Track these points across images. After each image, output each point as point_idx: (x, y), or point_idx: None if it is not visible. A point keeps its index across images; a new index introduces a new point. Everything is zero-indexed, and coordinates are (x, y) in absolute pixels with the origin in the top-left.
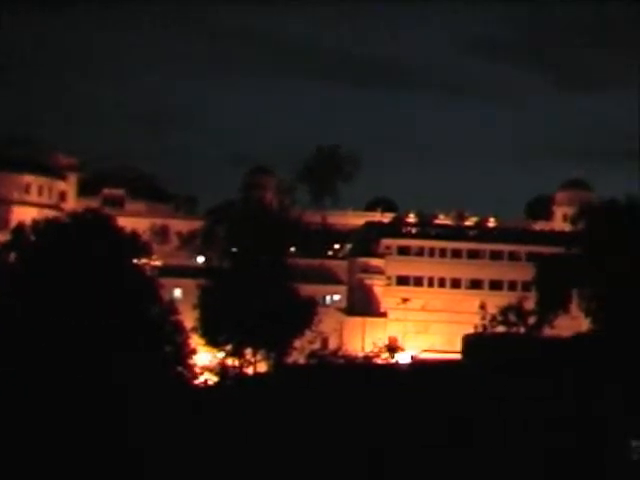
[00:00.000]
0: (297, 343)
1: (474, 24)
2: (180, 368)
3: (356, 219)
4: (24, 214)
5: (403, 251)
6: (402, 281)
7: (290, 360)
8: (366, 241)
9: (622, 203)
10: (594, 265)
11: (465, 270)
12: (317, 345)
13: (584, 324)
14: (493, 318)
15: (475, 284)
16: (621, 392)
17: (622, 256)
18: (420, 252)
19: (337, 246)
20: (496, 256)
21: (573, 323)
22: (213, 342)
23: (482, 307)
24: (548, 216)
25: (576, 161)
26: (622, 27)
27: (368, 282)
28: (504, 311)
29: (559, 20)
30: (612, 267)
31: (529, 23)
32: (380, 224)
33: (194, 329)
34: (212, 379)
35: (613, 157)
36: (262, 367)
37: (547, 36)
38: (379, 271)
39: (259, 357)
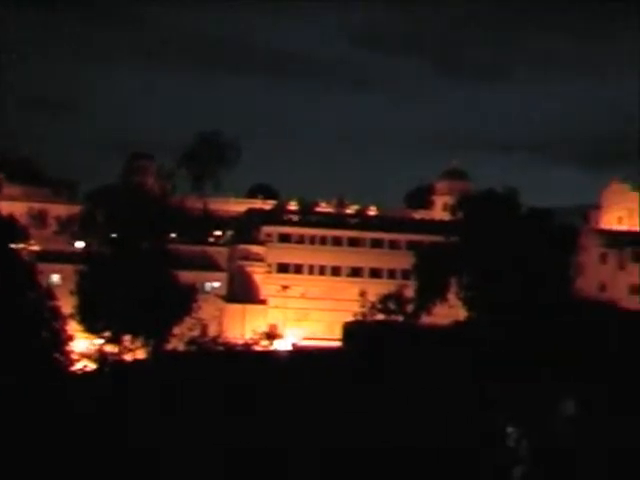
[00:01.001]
0: (176, 330)
1: (359, 12)
2: (57, 355)
3: (237, 206)
4: None
5: (284, 238)
6: (282, 268)
7: (169, 347)
8: (247, 228)
9: (500, 193)
10: (472, 254)
11: (345, 258)
12: (197, 332)
13: (462, 313)
14: (372, 306)
15: (355, 272)
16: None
17: (499, 245)
18: (301, 240)
19: (218, 233)
20: (376, 244)
21: (451, 311)
22: (91, 329)
23: (362, 295)
24: (428, 205)
25: (457, 151)
26: (512, 16)
27: (248, 269)
28: (383, 299)
29: (447, 9)
30: (489, 256)
31: (416, 13)
32: (261, 211)
33: (72, 315)
34: (90, 366)
35: (492, 148)
36: (141, 354)
37: (436, 25)
38: (259, 258)
39: (138, 344)
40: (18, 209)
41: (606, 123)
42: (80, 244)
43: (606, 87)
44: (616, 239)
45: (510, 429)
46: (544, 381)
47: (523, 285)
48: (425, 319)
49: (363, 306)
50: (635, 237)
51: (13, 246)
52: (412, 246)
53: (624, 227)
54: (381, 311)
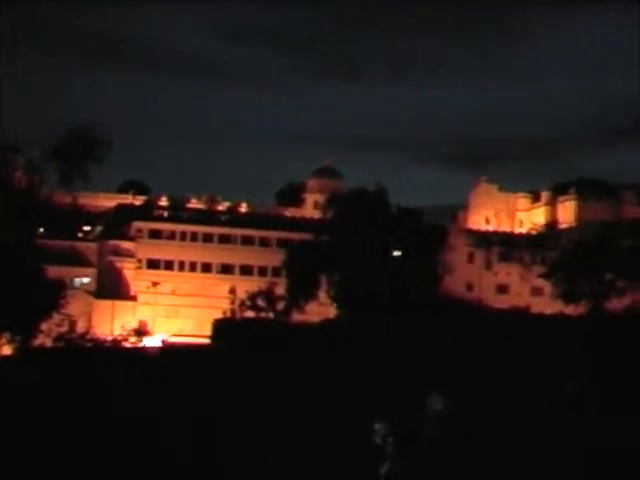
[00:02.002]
0: (44, 326)
1: (236, 10)
2: None
3: (107, 201)
4: None
5: (154, 234)
6: (153, 264)
7: (37, 343)
8: (117, 224)
9: (370, 192)
10: (341, 253)
11: (216, 255)
12: (65, 328)
13: (331, 310)
14: (242, 303)
15: (226, 269)
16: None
17: (368, 244)
18: (171, 236)
19: (87, 228)
20: (247, 241)
21: (321, 309)
22: None
23: (231, 292)
24: (299, 203)
25: (329, 150)
26: (396, 15)
27: (118, 265)
28: (253, 296)
29: (324, 8)
30: (358, 255)
31: (292, 10)
32: (132, 207)
33: None
34: None
35: (366, 146)
36: (7, 350)
37: (311, 22)
38: (130, 254)
39: (4, 340)
40: None
41: (477, 124)
42: None
43: (478, 89)
44: (483, 239)
45: (377, 426)
46: (412, 378)
47: (392, 284)
48: (296, 317)
49: (232, 303)
50: (502, 237)
51: None
52: (283, 243)
53: (491, 227)
54: (250, 308)
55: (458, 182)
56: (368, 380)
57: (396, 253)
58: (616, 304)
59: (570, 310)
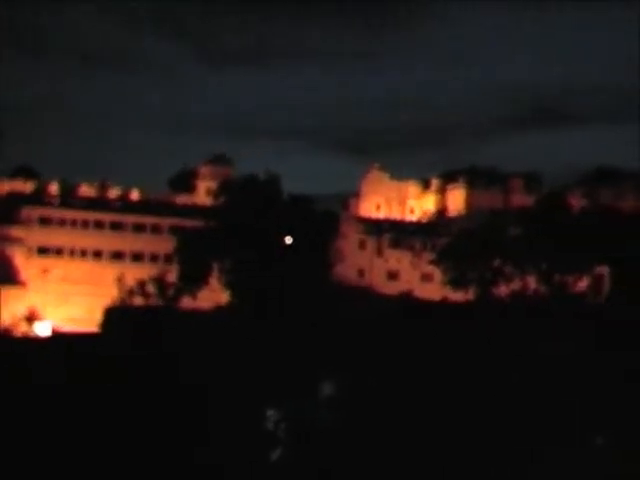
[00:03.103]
0: None
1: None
2: None
3: None
4: None
5: (44, 221)
6: (43, 251)
7: None
8: (6, 210)
9: (261, 179)
10: (233, 239)
11: (107, 241)
12: None
13: (224, 297)
14: (131, 290)
15: (117, 256)
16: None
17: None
18: (62, 222)
19: None
20: (139, 228)
21: (213, 295)
22: None
23: (120, 279)
24: (191, 190)
25: (222, 136)
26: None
27: (8, 251)
28: (142, 283)
29: None
30: (249, 242)
31: None
32: (21, 193)
33: None
34: None
35: (260, 133)
36: None
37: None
38: (19, 241)
39: None
40: None
41: (368, 112)
42: None
43: (370, 76)
44: (374, 226)
45: (269, 412)
46: (303, 365)
47: (283, 271)
48: (188, 303)
49: (122, 290)
50: (393, 224)
51: None
52: (174, 230)
53: (382, 214)
54: (141, 295)
55: (351, 170)
56: (260, 366)
57: (288, 240)
58: (504, 290)
59: (458, 296)
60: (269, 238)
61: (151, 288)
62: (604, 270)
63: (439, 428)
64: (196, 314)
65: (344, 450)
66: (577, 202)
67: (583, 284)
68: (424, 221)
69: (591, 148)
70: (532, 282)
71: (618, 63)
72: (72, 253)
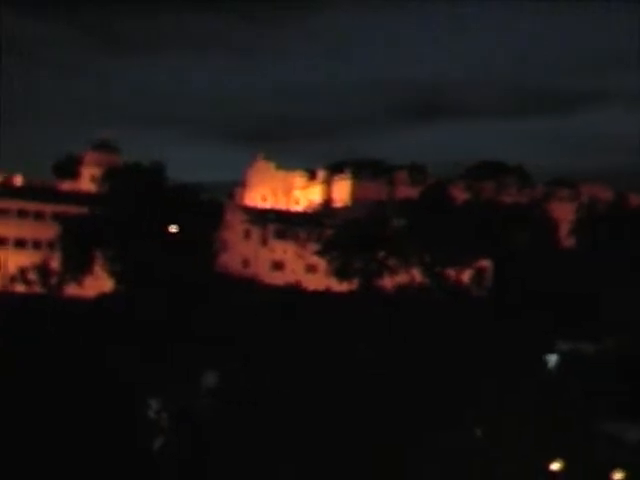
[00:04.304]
0: None
1: None
2: None
3: None
4: None
5: None
6: None
7: None
8: None
9: (146, 167)
10: (117, 227)
11: None
12: None
13: (108, 284)
14: (12, 277)
15: (0, 242)
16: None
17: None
18: None
19: None
20: (22, 214)
21: (98, 283)
22: None
23: (1, 266)
24: (76, 177)
25: (109, 122)
26: None
27: None
28: (24, 270)
29: None
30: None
31: None
32: None
33: None
34: None
35: (148, 121)
36: None
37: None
38: None
39: None
40: None
41: (257, 102)
42: None
43: (258, 67)
44: (260, 216)
45: (151, 401)
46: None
47: (167, 259)
48: (71, 291)
49: (3, 277)
50: (278, 214)
51: None
52: (58, 217)
53: (268, 204)
54: (22, 282)
55: (237, 159)
56: (143, 354)
57: (172, 228)
58: (388, 281)
59: (343, 287)
60: (153, 226)
61: (33, 275)
62: (486, 263)
63: (317, 420)
64: (78, 302)
65: (224, 440)
66: (460, 195)
67: (466, 277)
68: (310, 212)
69: (478, 143)
70: (417, 274)
71: (506, 60)
72: None
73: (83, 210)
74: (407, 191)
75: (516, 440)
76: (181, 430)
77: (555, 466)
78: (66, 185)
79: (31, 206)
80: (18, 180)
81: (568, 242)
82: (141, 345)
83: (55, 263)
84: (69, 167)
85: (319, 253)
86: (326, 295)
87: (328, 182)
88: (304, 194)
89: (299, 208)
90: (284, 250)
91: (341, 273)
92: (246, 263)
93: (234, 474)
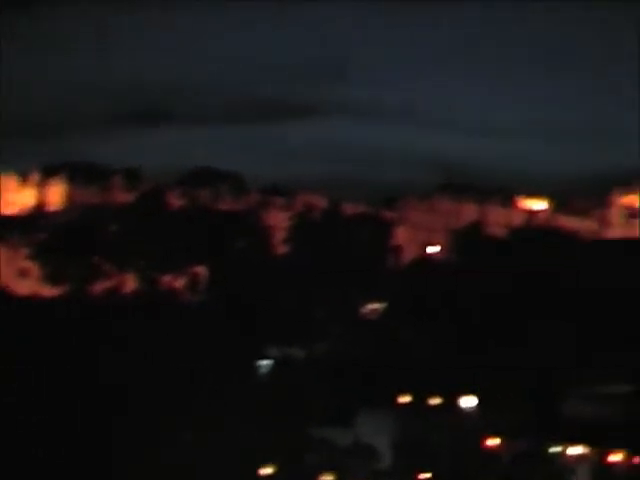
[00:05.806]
0: None
1: None
2: None
3: None
4: None
5: None
6: None
7: None
8: None
9: None
10: None
11: None
12: None
13: None
14: None
15: None
16: None
17: None
18: None
19: None
20: None
21: None
22: None
23: None
24: None
25: None
26: None
27: None
28: None
29: None
30: None
31: None
32: None
33: None
34: None
35: None
36: None
37: None
38: None
39: None
40: None
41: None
42: None
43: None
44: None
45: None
46: None
47: None
48: None
49: None
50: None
51: None
52: None
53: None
54: None
55: None
56: None
57: None
58: (100, 287)
59: (55, 292)
60: None
61: None
62: (201, 269)
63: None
64: None
65: None
66: (176, 202)
67: (180, 283)
68: (22, 215)
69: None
70: (131, 280)
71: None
72: None
73: None
74: (123, 196)
75: (226, 445)
76: None
77: (265, 471)
78: None
79: None
80: None
81: (282, 249)
82: None
83: None
84: None
85: (31, 257)
86: (33, 300)
87: (42, 185)
88: (16, 197)
89: (10, 212)
90: None
91: (54, 278)
92: None
93: None
